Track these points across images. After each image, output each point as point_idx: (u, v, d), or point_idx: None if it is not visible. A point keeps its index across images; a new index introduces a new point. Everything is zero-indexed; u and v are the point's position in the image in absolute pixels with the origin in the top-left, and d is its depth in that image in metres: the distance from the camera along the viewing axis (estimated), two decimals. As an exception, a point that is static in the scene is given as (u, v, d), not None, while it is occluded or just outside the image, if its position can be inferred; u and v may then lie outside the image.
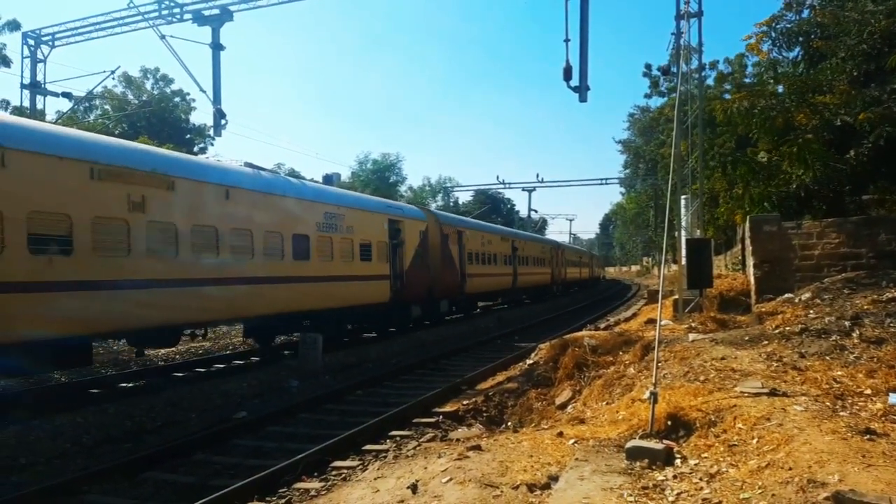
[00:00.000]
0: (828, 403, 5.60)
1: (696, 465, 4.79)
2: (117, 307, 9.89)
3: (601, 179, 71.35)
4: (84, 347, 10.08)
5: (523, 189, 55.31)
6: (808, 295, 11.30)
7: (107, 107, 46.47)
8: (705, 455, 4.94)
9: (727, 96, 23.42)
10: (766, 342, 8.42)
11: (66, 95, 25.07)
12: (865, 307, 9.17)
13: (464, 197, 76.36)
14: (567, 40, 13.84)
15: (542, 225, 76.34)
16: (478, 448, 5.82)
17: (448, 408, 9.76)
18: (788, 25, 17.21)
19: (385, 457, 7.18)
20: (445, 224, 23.27)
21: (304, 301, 14.37)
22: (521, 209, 73.49)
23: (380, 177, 64.77)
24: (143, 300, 10.30)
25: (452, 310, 23.78)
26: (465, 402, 9.94)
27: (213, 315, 12.54)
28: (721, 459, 4.76)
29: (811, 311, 9.89)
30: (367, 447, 7.86)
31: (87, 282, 9.43)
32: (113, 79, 39.15)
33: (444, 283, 21.90)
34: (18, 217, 8.49)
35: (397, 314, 18.96)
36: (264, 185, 13.81)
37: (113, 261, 9.92)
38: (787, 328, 8.88)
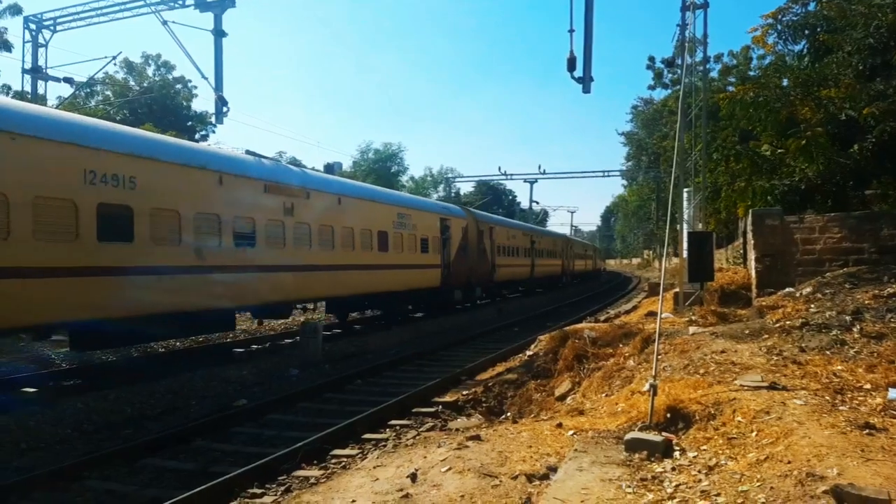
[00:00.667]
0: (827, 398, 5.61)
1: (694, 457, 4.80)
2: (263, 286, 13.38)
3: (603, 171, 70.92)
4: (232, 316, 13.61)
5: (525, 180, 55.29)
6: (809, 289, 11.28)
7: (108, 93, 46.30)
8: (704, 448, 4.95)
9: (731, 89, 23.29)
10: (766, 336, 8.42)
11: (68, 81, 24.98)
12: (866, 302, 9.15)
13: (465, 188, 76.27)
14: (572, 31, 13.74)
15: (543, 217, 76.18)
16: (477, 438, 5.84)
17: (448, 398, 9.79)
18: (794, 18, 17.06)
19: (384, 445, 7.21)
20: (481, 221, 26.81)
21: (382, 284, 18.20)
22: (523, 200, 73.49)
23: (381, 166, 64.60)
24: (287, 283, 14.01)
25: (483, 295, 26.87)
26: (464, 392, 9.96)
27: (316, 294, 16.06)
28: (720, 452, 4.76)
29: (812, 306, 9.87)
30: (367, 436, 7.89)
31: (263, 266, 13.26)
32: (114, 64, 39.09)
33: (479, 273, 25.46)
34: (228, 220, 12.30)
35: (444, 297, 22.44)
36: (359, 192, 18.41)
37: (277, 252, 13.62)
38: (788, 322, 8.87)
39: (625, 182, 73.27)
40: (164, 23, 18.74)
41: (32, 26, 23.90)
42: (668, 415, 5.66)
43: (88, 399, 9.06)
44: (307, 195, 14.75)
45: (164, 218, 10.88)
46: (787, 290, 12.25)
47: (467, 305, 24.77)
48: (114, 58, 26.99)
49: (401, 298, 19.80)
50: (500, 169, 68.16)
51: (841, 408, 5.35)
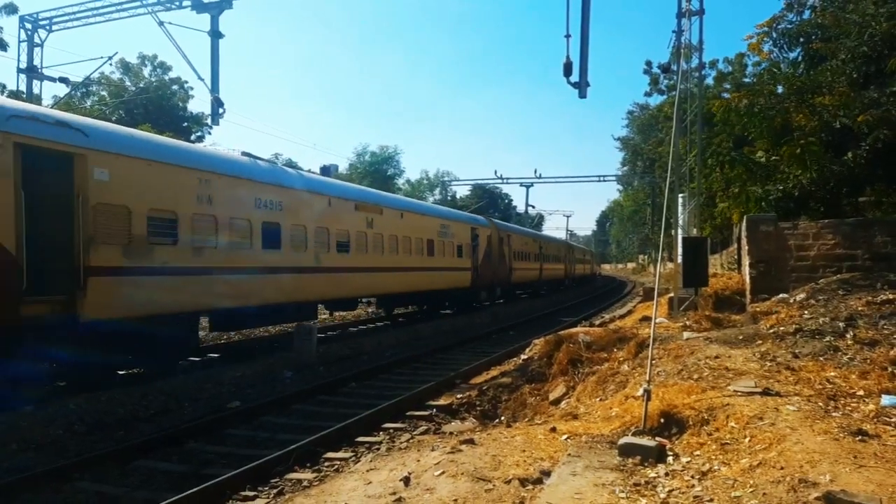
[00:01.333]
0: (820, 404, 5.62)
1: (688, 462, 4.80)
2: (351, 284, 17.08)
3: (599, 176, 71.43)
4: (315, 308, 16.83)
5: (521, 184, 55.30)
6: (802, 295, 11.32)
7: (103, 93, 46.16)
8: (697, 453, 4.95)
9: (726, 96, 23.40)
10: (760, 342, 8.44)
11: (64, 80, 24.86)
12: (860, 309, 9.19)
13: (461, 191, 76.28)
14: (568, 36, 13.81)
15: (539, 221, 76.29)
16: (471, 442, 5.83)
17: (442, 401, 9.77)
18: (789, 26, 17.18)
19: (378, 449, 7.19)
20: (501, 230, 30.87)
21: (429, 283, 21.88)
22: (519, 204, 73.49)
23: (377, 169, 64.62)
24: (358, 282, 17.43)
25: (501, 294, 30.67)
26: (459, 396, 9.95)
27: (374, 292, 19.77)
28: (713, 457, 4.77)
29: (806, 312, 9.91)
30: (361, 439, 7.87)
31: (356, 268, 17.05)
32: (110, 65, 38.76)
33: (499, 275, 29.36)
34: (334, 233, 16.03)
35: (473, 296, 26.59)
36: (415, 208, 23.08)
37: (362, 256, 17.33)
38: (782, 328, 8.90)
39: (620, 187, 73.55)
40: (161, 24, 18.75)
41: (28, 26, 23.80)
42: (662, 420, 5.66)
43: (80, 400, 8.99)
44: (381, 212, 18.59)
45: (299, 231, 14.60)
46: (780, 295, 12.29)
47: (488, 304, 28.34)
48: (110, 58, 26.78)
49: (441, 296, 23.76)
50: (496, 172, 68.18)
51: (834, 414, 5.37)
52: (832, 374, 6.65)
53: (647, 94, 49.06)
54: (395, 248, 19.30)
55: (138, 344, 10.52)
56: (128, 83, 48.45)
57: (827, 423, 5.04)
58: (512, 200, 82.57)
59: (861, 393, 5.97)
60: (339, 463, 6.94)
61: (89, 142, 9.64)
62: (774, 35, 17.07)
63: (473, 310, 25.53)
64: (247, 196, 13.00)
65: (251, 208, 13.04)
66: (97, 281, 9.47)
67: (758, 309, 11.69)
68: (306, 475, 6.51)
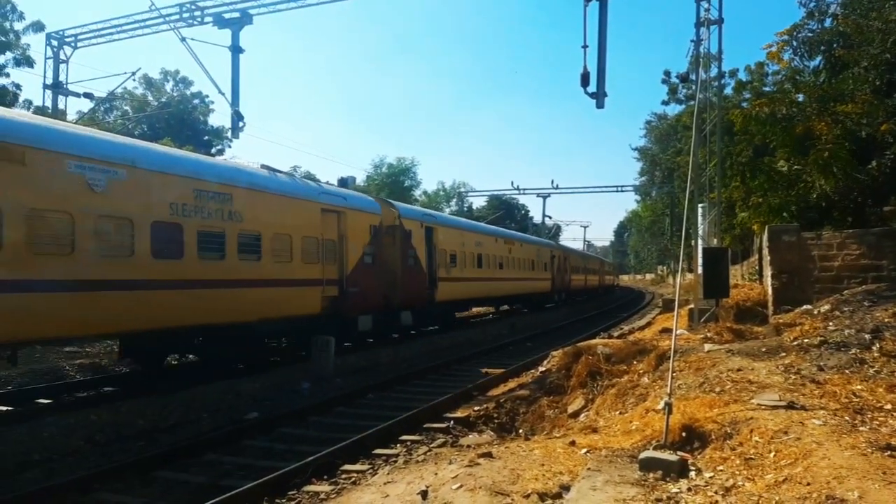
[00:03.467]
0: (847, 418, 5.49)
1: (711, 477, 4.71)
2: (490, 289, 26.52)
3: (616, 186, 70.66)
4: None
5: (538, 195, 55.01)
6: (827, 307, 11.11)
7: (126, 108, 47.01)
8: (721, 468, 4.85)
9: (746, 105, 23.18)
10: (783, 354, 8.29)
11: (88, 96, 25.35)
12: (886, 320, 9.00)
13: (478, 202, 76.17)
14: (585, 46, 13.77)
15: (555, 231, 75.96)
16: (489, 455, 5.77)
17: (459, 413, 9.72)
18: (810, 34, 17.00)
19: (395, 461, 7.15)
20: (564, 251, 43.61)
21: (503, 290, 28.58)
22: (535, 215, 73.26)
23: (394, 181, 64.77)
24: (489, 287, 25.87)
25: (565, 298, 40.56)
26: (476, 408, 9.88)
27: (498, 295, 28.51)
28: (737, 473, 4.67)
29: (830, 324, 9.72)
30: (378, 451, 7.83)
31: (486, 278, 25.18)
32: (133, 80, 39.53)
33: (564, 284, 40.08)
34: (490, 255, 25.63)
35: (551, 298, 36.72)
36: (519, 238, 32.86)
37: (497, 272, 26.13)
38: (806, 340, 8.74)
39: (638, 197, 72.89)
40: (183, 39, 19.02)
41: (54, 43, 24.32)
42: (684, 434, 5.57)
43: (101, 411, 9.08)
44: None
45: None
46: (804, 307, 12.08)
47: (551, 305, 36.69)
48: (133, 73, 27.34)
49: (534, 298, 33.28)
50: (512, 183, 67.92)
51: (861, 428, 5.23)
52: (858, 387, 6.50)
53: (665, 104, 48.75)
54: (503, 265, 27.77)
55: None
56: (150, 98, 49.33)
57: (854, 437, 4.91)
58: (528, 211, 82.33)
59: (889, 407, 5.83)
60: (356, 475, 6.90)
61: None
62: (795, 43, 16.92)
63: (544, 310, 33.97)
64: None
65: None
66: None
67: (781, 320, 11.49)
68: (324, 487, 6.49)
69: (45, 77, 24.54)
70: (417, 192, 69.03)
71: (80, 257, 8.93)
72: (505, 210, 70.64)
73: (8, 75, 32.34)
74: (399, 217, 18.43)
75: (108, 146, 9.94)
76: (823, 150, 14.29)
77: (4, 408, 10.07)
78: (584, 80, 13.76)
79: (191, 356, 14.26)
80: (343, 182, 19.91)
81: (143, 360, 13.06)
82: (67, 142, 9.20)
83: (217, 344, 12.28)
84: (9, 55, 31.50)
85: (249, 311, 11.95)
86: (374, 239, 16.61)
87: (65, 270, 8.75)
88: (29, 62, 31.87)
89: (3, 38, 30.80)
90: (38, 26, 30.63)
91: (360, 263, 15.79)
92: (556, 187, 53.12)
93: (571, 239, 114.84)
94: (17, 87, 33.03)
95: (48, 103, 25.07)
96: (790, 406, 5.79)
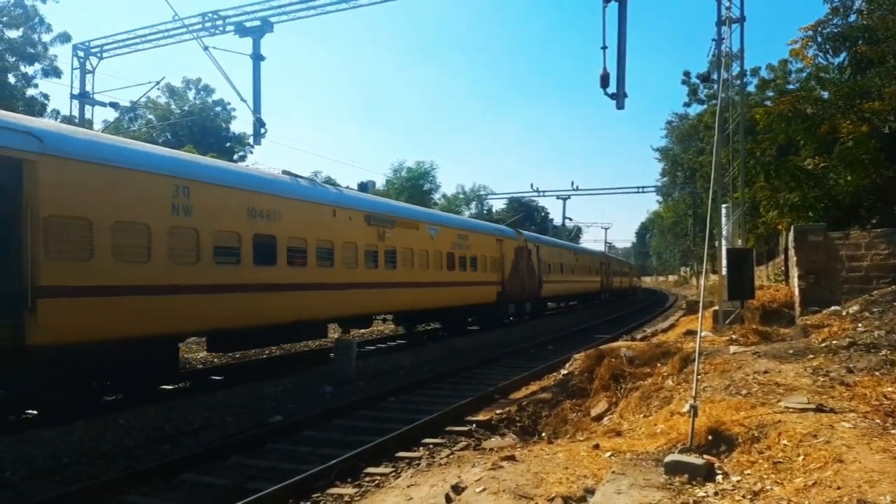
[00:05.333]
0: (878, 421, 5.37)
1: (738, 481, 4.63)
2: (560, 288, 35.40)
3: (638, 187, 70.05)
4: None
5: (558, 197, 54.94)
6: (856, 307, 10.88)
7: (150, 116, 47.83)
8: (748, 471, 4.77)
9: (769, 104, 22.86)
10: (811, 356, 8.14)
11: (114, 105, 25.83)
12: (917, 321, 8.79)
13: (497, 205, 76.15)
14: (604, 47, 13.71)
15: (576, 233, 75.72)
16: (512, 458, 5.75)
17: (481, 416, 9.70)
18: (835, 30, 16.72)
19: (418, 464, 7.16)
20: (609, 258, 54.41)
21: (575, 289, 37.80)
22: (555, 217, 73.09)
23: (413, 185, 64.91)
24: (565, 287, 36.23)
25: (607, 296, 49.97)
26: (498, 411, 9.86)
27: (565, 293, 37.27)
28: (765, 476, 4.59)
29: (860, 325, 9.52)
30: (401, 454, 7.84)
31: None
32: (157, 89, 40.30)
33: (608, 285, 49.96)
34: (569, 263, 37.35)
35: (601, 297, 46.21)
36: (573, 248, 44.03)
37: (562, 275, 35.07)
38: (834, 342, 8.57)
39: (660, 198, 72.31)
40: (206, 48, 19.29)
41: (81, 53, 24.82)
42: (710, 437, 5.49)
43: (129, 415, 9.23)
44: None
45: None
46: (832, 308, 11.84)
47: (596, 303, 44.48)
48: (157, 83, 27.87)
49: (589, 294, 42.68)
50: (532, 186, 67.96)
51: (892, 431, 5.11)
52: (889, 389, 6.35)
53: (686, 105, 48.30)
54: (566, 269, 35.61)
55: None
56: (173, 106, 50.13)
57: (885, 440, 4.80)
58: (549, 213, 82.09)
59: (922, 409, 5.68)
60: (379, 478, 6.92)
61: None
62: (819, 39, 16.65)
63: (600, 305, 43.14)
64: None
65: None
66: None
67: (808, 322, 11.28)
68: (347, 490, 6.52)
69: (71, 87, 25.06)
70: (437, 196, 69.15)
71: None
72: (525, 212, 70.48)
73: (36, 86, 33.05)
74: (525, 241, 28.58)
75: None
76: (848, 142, 14.01)
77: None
78: (604, 81, 13.69)
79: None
80: (363, 187, 20.04)
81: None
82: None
83: (447, 318, 22.28)
84: (37, 66, 32.21)
85: (465, 298, 21.90)
86: (516, 255, 26.65)
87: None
88: (56, 73, 32.59)
89: (32, 50, 31.53)
90: (64, 37, 31.32)
91: (511, 271, 25.88)
92: (576, 189, 53.01)
93: (592, 241, 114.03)
94: (46, 97, 33.72)
95: (75, 112, 25.60)
96: (819, 409, 5.68)
